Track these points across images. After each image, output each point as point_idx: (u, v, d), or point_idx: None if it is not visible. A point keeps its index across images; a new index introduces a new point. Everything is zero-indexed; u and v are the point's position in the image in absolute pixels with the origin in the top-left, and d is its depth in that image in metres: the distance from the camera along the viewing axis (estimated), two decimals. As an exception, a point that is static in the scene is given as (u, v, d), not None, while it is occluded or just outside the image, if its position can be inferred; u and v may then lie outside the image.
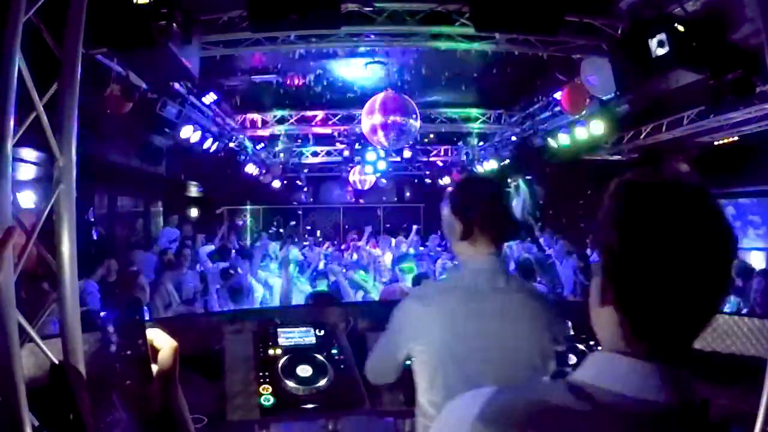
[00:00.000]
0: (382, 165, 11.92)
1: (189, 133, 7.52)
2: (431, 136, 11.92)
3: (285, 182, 14.47)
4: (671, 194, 0.73)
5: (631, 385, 0.70)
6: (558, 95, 7.78)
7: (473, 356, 1.59)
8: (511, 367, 1.59)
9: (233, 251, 7.77)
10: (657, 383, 0.70)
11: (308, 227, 16.56)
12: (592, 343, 2.58)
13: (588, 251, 7.81)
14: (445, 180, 14.44)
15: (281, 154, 11.92)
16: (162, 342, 0.84)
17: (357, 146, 11.19)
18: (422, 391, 1.67)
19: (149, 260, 7.36)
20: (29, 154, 6.37)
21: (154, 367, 0.83)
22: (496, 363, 1.59)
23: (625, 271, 0.73)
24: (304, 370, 2.38)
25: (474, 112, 10.40)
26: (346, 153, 11.80)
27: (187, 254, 6.87)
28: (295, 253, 7.97)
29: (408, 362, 1.75)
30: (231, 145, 9.50)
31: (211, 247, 8.14)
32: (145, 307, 4.54)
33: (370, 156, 11.57)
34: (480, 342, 1.60)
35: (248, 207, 15.97)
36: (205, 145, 8.27)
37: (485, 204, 1.72)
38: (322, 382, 2.35)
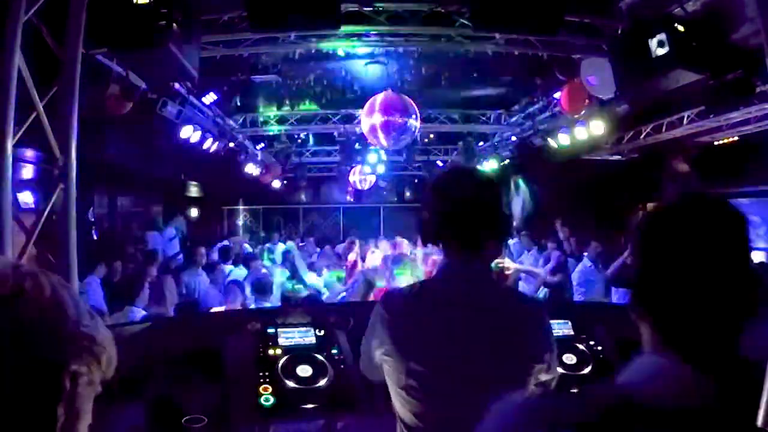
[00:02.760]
0: (381, 168, 11.90)
1: (189, 133, 7.52)
2: (431, 136, 11.92)
3: (285, 182, 14.46)
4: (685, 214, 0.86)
5: (667, 386, 0.75)
6: (558, 95, 7.78)
7: (437, 371, 1.45)
8: (474, 387, 1.41)
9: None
10: (687, 385, 0.74)
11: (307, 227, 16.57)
12: (592, 343, 2.57)
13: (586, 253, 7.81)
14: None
15: (281, 154, 11.92)
16: None
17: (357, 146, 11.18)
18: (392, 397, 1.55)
19: (158, 240, 9.09)
20: (29, 154, 6.37)
21: None
22: (461, 381, 1.44)
23: (648, 281, 0.82)
24: (304, 370, 2.38)
25: (473, 112, 10.39)
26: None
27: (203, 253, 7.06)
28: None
29: None
30: (231, 145, 9.50)
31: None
32: (137, 305, 4.53)
33: (371, 156, 11.56)
34: (445, 356, 1.46)
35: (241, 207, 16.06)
36: (205, 145, 8.26)
37: (460, 202, 1.50)
38: (322, 382, 2.35)
